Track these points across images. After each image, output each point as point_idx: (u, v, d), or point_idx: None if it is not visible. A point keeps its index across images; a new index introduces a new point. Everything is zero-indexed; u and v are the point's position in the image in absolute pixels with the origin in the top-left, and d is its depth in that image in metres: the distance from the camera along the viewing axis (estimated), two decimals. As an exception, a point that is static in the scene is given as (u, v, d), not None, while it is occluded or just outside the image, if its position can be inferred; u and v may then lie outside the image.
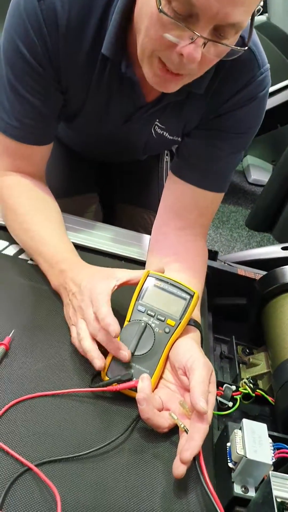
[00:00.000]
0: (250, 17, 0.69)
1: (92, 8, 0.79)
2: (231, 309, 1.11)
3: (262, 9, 0.73)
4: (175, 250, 0.95)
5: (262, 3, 0.72)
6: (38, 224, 0.90)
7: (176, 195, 0.98)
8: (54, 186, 1.04)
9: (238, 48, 0.72)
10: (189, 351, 0.73)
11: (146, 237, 1.13)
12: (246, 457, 0.60)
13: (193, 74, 0.76)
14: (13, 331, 0.77)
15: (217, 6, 0.63)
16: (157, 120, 0.96)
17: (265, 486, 0.58)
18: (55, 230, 0.91)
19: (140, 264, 1.03)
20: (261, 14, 2.83)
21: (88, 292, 0.76)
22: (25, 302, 0.84)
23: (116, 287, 0.77)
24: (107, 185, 1.45)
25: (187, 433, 0.65)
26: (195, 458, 0.63)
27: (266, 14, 2.74)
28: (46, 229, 0.90)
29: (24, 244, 0.92)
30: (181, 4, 0.64)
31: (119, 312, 0.82)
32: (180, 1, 0.64)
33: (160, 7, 0.66)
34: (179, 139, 0.99)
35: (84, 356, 0.74)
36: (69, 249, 0.88)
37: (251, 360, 0.95)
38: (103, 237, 1.08)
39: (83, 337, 0.74)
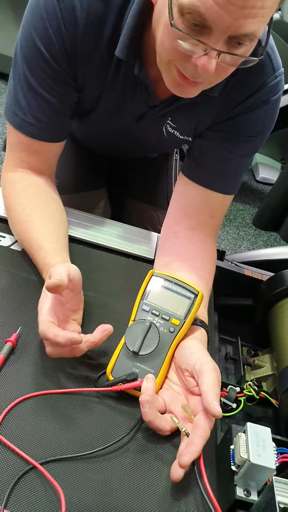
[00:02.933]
0: (267, 24, 0.69)
1: (109, 9, 0.79)
2: (237, 310, 1.11)
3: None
4: (185, 250, 0.95)
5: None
6: (31, 226, 0.89)
7: (187, 196, 0.98)
8: (65, 181, 1.04)
9: (252, 58, 0.71)
10: (197, 353, 0.73)
11: (154, 235, 1.13)
12: (250, 461, 0.61)
13: (211, 81, 0.76)
14: (20, 328, 0.77)
15: (229, 20, 0.63)
16: (169, 118, 0.96)
17: (268, 491, 0.58)
18: (45, 232, 0.88)
19: (148, 262, 1.03)
20: (275, 12, 2.82)
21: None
22: (32, 299, 0.84)
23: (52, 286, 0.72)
24: (116, 181, 1.45)
25: (188, 437, 0.65)
26: (195, 462, 0.63)
27: (280, 12, 2.72)
28: (37, 231, 0.88)
29: (22, 245, 0.92)
30: (194, 17, 0.64)
31: (124, 312, 0.82)
32: (193, 14, 0.64)
33: (172, 21, 0.66)
34: (190, 138, 0.99)
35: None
36: (52, 256, 0.83)
37: (256, 361, 0.96)
38: (111, 234, 1.08)
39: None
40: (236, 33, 0.65)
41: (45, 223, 0.90)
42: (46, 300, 0.75)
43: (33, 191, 0.94)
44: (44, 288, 0.75)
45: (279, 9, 2.85)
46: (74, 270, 0.77)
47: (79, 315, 0.81)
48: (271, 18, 0.70)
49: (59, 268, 0.74)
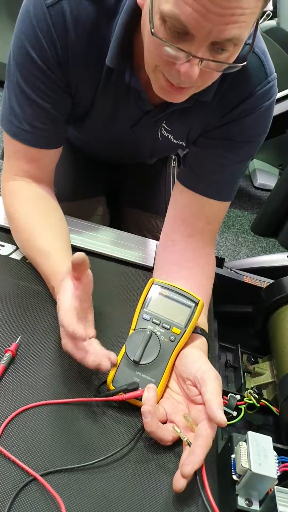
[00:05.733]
0: (250, 29, 0.68)
1: (99, 15, 0.80)
2: (236, 317, 1.11)
3: (271, 14, 0.73)
4: (184, 258, 0.95)
5: (272, 8, 0.71)
6: (36, 234, 0.89)
7: (184, 204, 0.98)
8: (62, 189, 1.04)
9: (235, 64, 0.71)
10: (198, 361, 0.73)
11: (153, 243, 1.13)
12: (251, 471, 0.61)
13: (198, 86, 0.76)
14: (19, 337, 0.77)
15: (209, 26, 0.63)
16: (164, 122, 0.96)
17: (270, 501, 0.58)
18: (51, 240, 0.89)
19: (147, 269, 1.03)
20: (271, 19, 2.83)
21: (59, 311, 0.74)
22: (32, 308, 0.84)
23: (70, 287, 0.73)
24: (114, 188, 1.45)
25: (190, 446, 0.65)
26: (197, 472, 0.63)
27: (276, 19, 2.73)
28: (43, 239, 0.88)
29: (26, 254, 0.92)
30: (175, 24, 0.65)
31: (124, 321, 0.82)
32: (174, 21, 0.64)
33: (152, 29, 0.67)
34: (184, 143, 1.00)
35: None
36: (61, 263, 0.83)
37: (256, 369, 0.95)
38: (109, 241, 1.08)
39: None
40: (218, 38, 0.65)
41: (50, 231, 0.90)
42: (67, 294, 0.72)
43: (35, 200, 0.94)
44: (64, 285, 0.73)
45: (276, 16, 2.87)
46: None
47: (91, 319, 0.78)
48: (257, 21, 0.69)
49: (79, 253, 0.71)
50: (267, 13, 0.70)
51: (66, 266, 0.79)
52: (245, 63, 0.73)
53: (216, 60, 0.69)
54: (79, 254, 0.69)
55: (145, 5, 0.72)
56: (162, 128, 0.97)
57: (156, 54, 0.71)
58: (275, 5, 2.73)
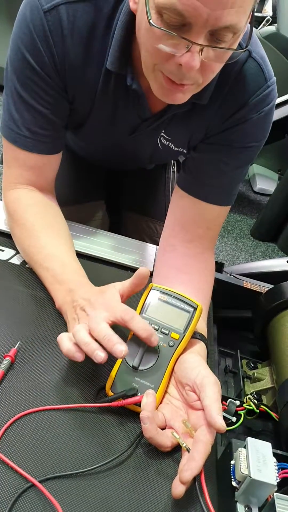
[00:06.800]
0: (246, 18, 0.68)
1: (96, 20, 0.80)
2: (236, 322, 1.11)
3: (271, 19, 0.73)
4: (183, 263, 0.95)
5: (271, 14, 0.72)
6: (45, 240, 0.89)
7: (183, 209, 0.98)
8: (62, 193, 1.05)
9: (237, 49, 0.71)
10: (197, 367, 0.73)
11: (152, 247, 1.13)
12: (251, 477, 0.60)
13: (198, 83, 0.76)
14: (18, 342, 0.77)
15: (207, 11, 0.62)
16: (163, 131, 0.96)
17: (269, 508, 0.57)
18: (63, 247, 0.90)
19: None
20: (270, 24, 2.84)
21: (100, 302, 0.76)
22: (31, 313, 0.84)
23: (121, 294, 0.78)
24: (114, 193, 1.45)
25: (189, 452, 0.65)
26: (196, 478, 0.63)
27: (275, 24, 2.74)
28: (54, 245, 0.89)
29: (30, 259, 0.91)
30: (172, 15, 0.64)
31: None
32: (170, 13, 0.64)
33: (150, 20, 0.66)
34: (185, 150, 1.00)
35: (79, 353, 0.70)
36: (77, 269, 0.87)
37: (255, 374, 0.95)
38: (109, 246, 1.08)
39: (78, 330, 0.71)
40: (216, 26, 0.65)
41: (58, 238, 0.91)
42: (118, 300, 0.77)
43: (39, 207, 0.94)
44: (121, 287, 0.79)
45: (275, 22, 2.88)
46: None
47: None
48: (253, 15, 0.70)
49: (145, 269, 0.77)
50: (266, 18, 0.70)
51: (83, 273, 0.85)
52: (247, 49, 0.73)
53: (217, 46, 0.68)
54: (145, 271, 0.76)
55: (140, 4, 0.72)
56: (162, 137, 0.98)
57: (154, 51, 0.70)
58: (274, 11, 2.74)
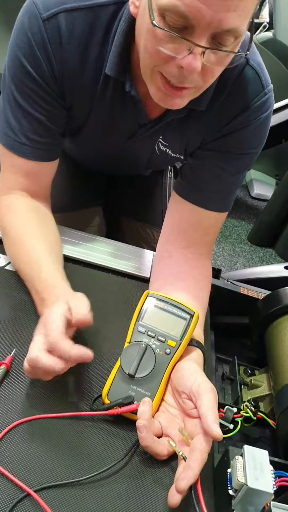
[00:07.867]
0: (247, 23, 0.68)
1: (95, 28, 0.80)
2: (233, 329, 1.10)
3: (268, 25, 0.74)
4: (180, 269, 0.95)
5: (268, 20, 0.72)
6: (29, 247, 0.88)
7: (180, 215, 0.98)
8: (59, 199, 1.04)
9: (239, 53, 0.71)
10: (193, 375, 0.73)
11: (149, 253, 1.13)
12: (247, 486, 0.60)
13: (198, 86, 0.76)
14: (14, 350, 0.76)
15: (210, 13, 0.63)
16: (160, 137, 0.96)
17: (266, 517, 0.57)
18: (45, 254, 0.87)
19: (143, 280, 1.02)
20: (267, 30, 2.85)
21: (42, 323, 0.72)
22: (26, 320, 0.83)
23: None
24: (111, 198, 1.45)
25: (185, 460, 0.64)
26: (193, 487, 0.62)
27: (272, 30, 2.75)
28: (35, 252, 0.87)
29: (16, 267, 0.91)
30: (175, 18, 0.64)
31: (120, 333, 0.82)
32: (173, 15, 0.64)
33: (153, 21, 0.66)
34: (182, 156, 1.00)
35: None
36: (55, 277, 0.82)
37: (252, 381, 0.95)
38: (105, 252, 1.08)
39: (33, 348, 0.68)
40: (219, 28, 0.65)
41: (42, 244, 0.89)
42: (57, 315, 0.70)
43: (29, 214, 0.94)
44: (57, 304, 0.72)
45: (272, 27, 2.89)
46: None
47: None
48: (252, 22, 0.70)
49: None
50: (263, 24, 0.70)
51: (58, 280, 0.80)
52: (247, 53, 0.73)
53: (219, 49, 0.68)
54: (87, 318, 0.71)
55: (141, 7, 0.72)
56: (159, 143, 0.98)
57: (155, 52, 0.70)
58: (271, 17, 2.75)
